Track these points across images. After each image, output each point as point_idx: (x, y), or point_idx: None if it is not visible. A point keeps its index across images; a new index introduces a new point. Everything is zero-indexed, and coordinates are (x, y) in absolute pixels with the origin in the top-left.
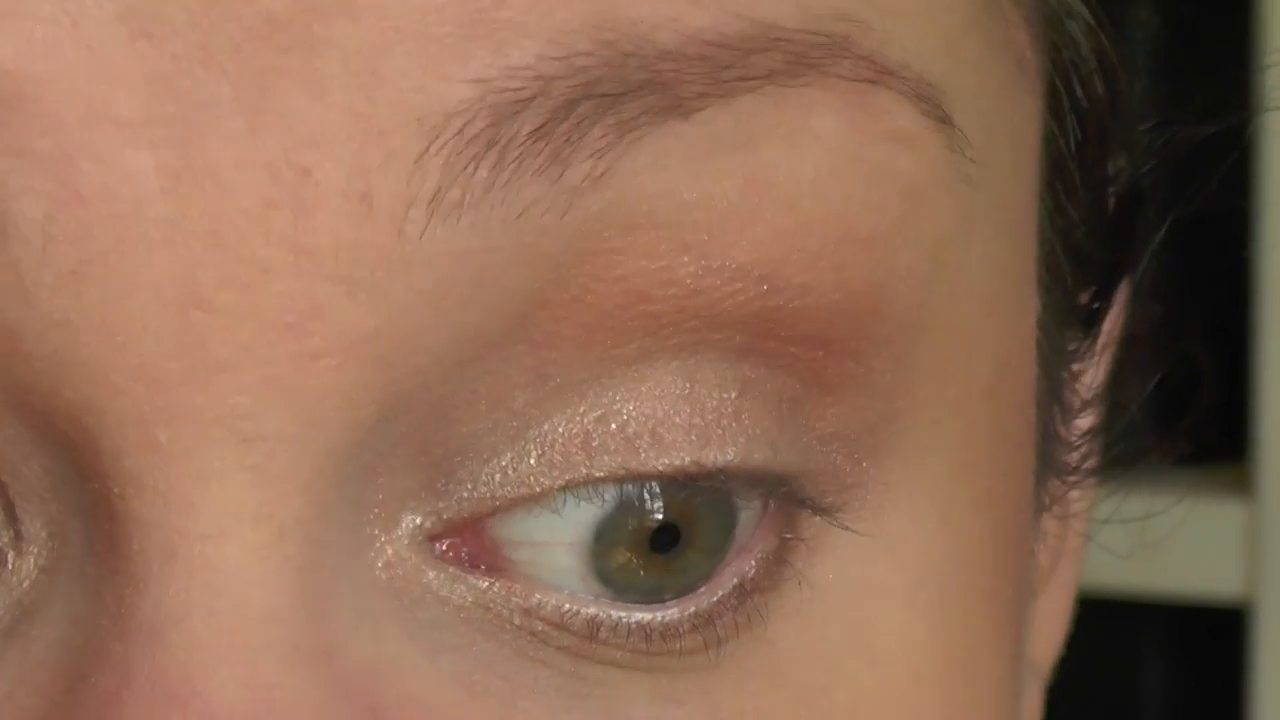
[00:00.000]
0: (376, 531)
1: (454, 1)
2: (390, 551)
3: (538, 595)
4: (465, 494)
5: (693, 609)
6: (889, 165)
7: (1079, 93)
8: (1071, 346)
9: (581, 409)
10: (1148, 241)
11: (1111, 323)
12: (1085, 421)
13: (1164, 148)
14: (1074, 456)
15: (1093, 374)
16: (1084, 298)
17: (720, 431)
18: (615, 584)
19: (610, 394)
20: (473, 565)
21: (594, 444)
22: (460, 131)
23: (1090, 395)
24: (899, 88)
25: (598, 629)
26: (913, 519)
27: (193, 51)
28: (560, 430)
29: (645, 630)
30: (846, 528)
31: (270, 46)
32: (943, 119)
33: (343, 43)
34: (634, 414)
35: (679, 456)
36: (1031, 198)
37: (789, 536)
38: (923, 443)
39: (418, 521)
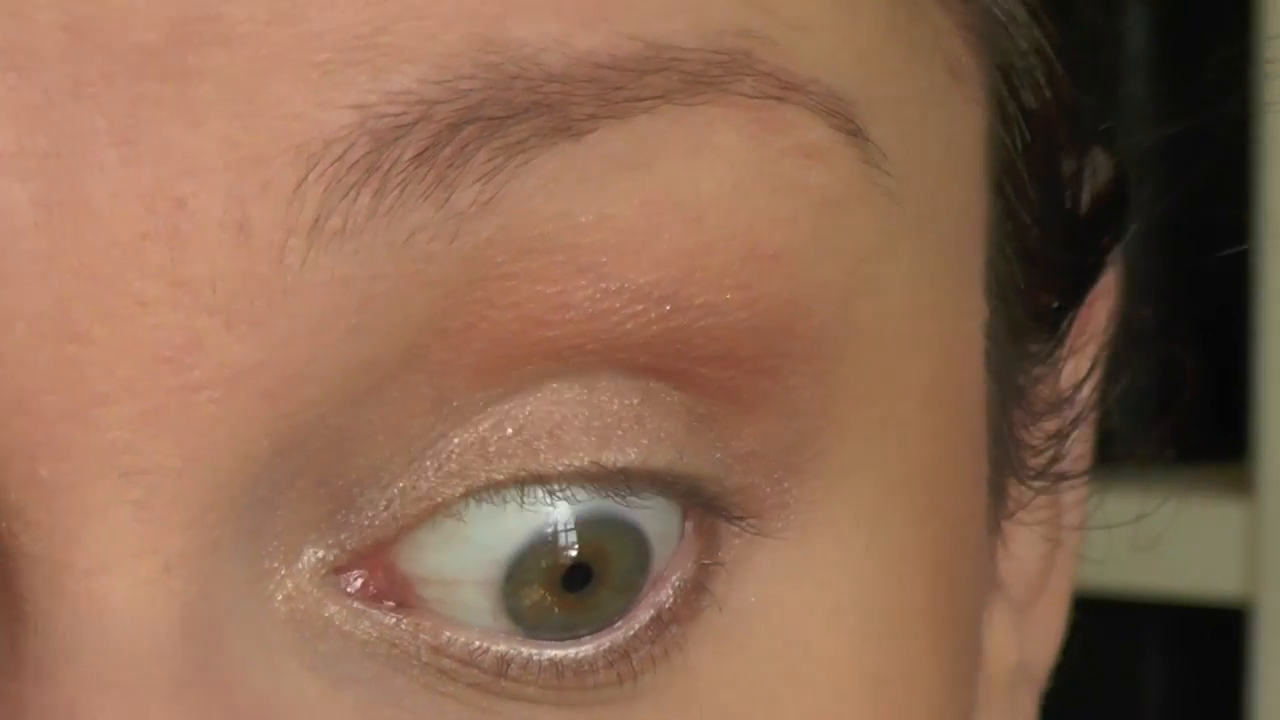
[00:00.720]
0: (276, 564)
1: (333, 28)
2: (291, 585)
3: (447, 633)
4: (366, 522)
5: (608, 644)
6: (798, 180)
7: (1025, 95)
8: (1034, 348)
9: (477, 419)
10: (1122, 240)
11: (1091, 321)
12: (1052, 424)
13: (1157, 146)
14: (1039, 460)
15: (1068, 373)
16: (1046, 300)
17: (621, 433)
18: (527, 622)
19: (507, 405)
20: (379, 600)
21: (491, 449)
22: (340, 158)
23: (1060, 397)
24: (806, 102)
25: (508, 666)
26: (839, 538)
27: (64, 83)
28: (456, 442)
29: (557, 667)
30: (767, 536)
31: (143, 76)
32: (855, 132)
33: (218, 71)
34: (530, 418)
35: (578, 457)
36: (973, 204)
37: (707, 562)
38: (849, 460)
39: (320, 554)
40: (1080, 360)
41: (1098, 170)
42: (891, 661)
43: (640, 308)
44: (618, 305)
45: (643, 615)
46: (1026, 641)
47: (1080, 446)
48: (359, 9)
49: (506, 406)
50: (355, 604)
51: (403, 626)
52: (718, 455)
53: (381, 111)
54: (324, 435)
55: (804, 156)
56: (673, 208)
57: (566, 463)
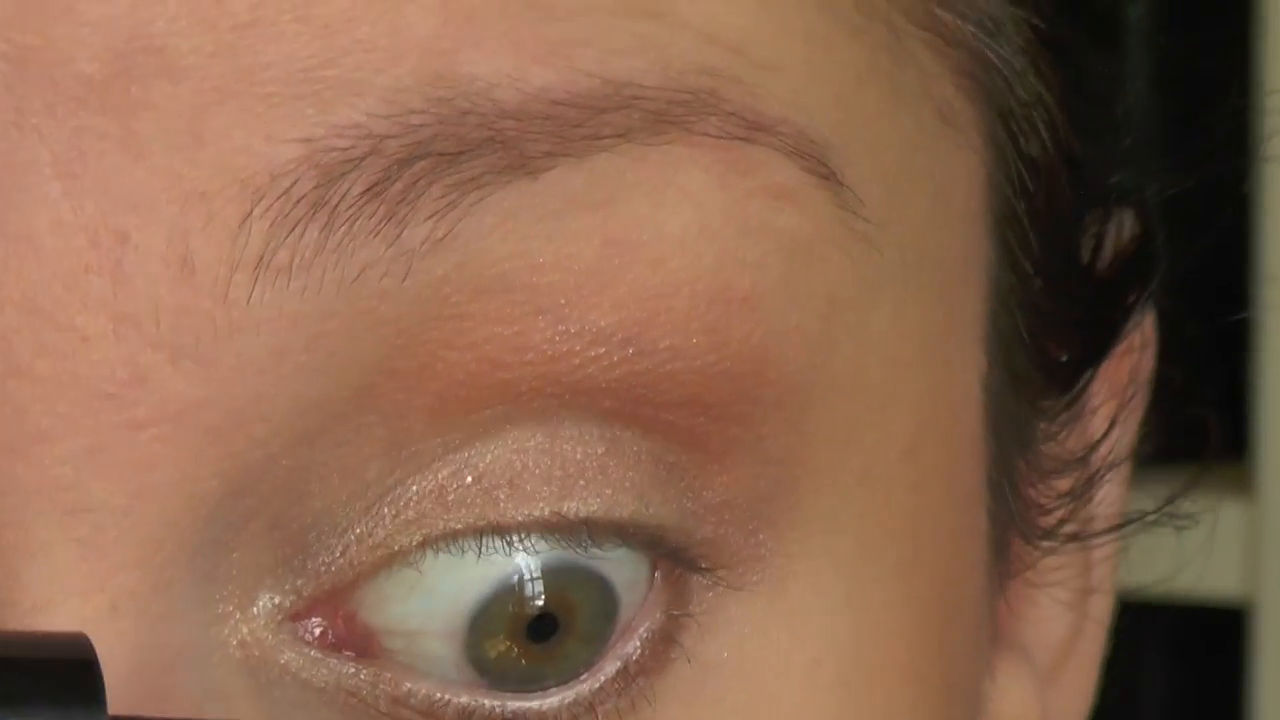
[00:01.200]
0: (231, 608)
1: (279, 60)
2: (245, 630)
3: (408, 684)
4: (323, 568)
5: (573, 696)
6: (767, 222)
7: (1025, 144)
8: (1044, 404)
9: (435, 465)
10: (1146, 299)
11: (1114, 378)
12: (1064, 483)
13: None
14: (1048, 520)
15: (1087, 430)
16: (1054, 354)
17: (583, 483)
18: (492, 673)
19: (466, 452)
20: (338, 649)
21: (449, 498)
22: (287, 192)
23: (1076, 455)
24: (775, 144)
25: (470, 718)
26: (817, 592)
27: (6, 114)
28: (414, 489)
29: (522, 719)
30: (737, 588)
31: (86, 108)
32: (828, 175)
33: (162, 104)
34: (490, 466)
35: (539, 507)
36: (968, 253)
37: (676, 613)
38: (827, 511)
39: (275, 600)
40: (1099, 419)
41: (1123, 227)
42: (870, 718)
43: (601, 350)
44: (578, 348)
45: (609, 667)
46: (1052, 708)
47: (1108, 506)
48: (305, 41)
49: (466, 454)
50: (313, 652)
51: (362, 676)
52: (688, 505)
53: (329, 145)
54: (276, 476)
55: (773, 198)
56: (635, 248)
57: (526, 512)
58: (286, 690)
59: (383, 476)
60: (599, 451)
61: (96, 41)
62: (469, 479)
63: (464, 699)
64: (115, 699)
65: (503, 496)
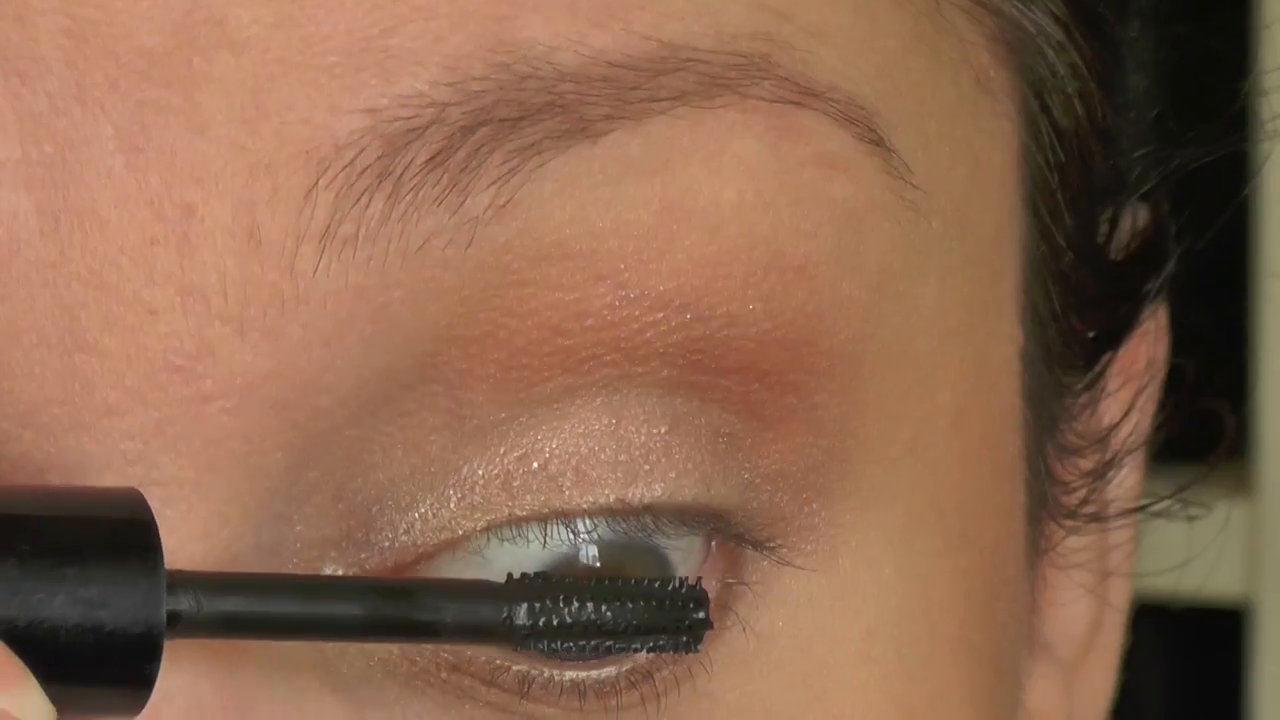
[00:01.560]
0: None
1: (340, 31)
2: None
3: (468, 651)
4: (386, 544)
5: (630, 665)
6: (819, 190)
7: (1057, 114)
8: (1068, 380)
9: (501, 450)
10: (1159, 287)
11: (1131, 364)
12: (1086, 463)
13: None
14: (1071, 499)
15: (1105, 415)
16: (1081, 329)
17: (648, 467)
18: None
19: (531, 433)
20: None
21: (515, 484)
22: (351, 163)
23: (1095, 436)
24: (826, 110)
25: (529, 685)
26: (869, 564)
27: (68, 89)
28: (480, 473)
29: (579, 688)
30: (792, 564)
31: (148, 82)
32: (877, 142)
33: (224, 76)
34: (556, 451)
35: (603, 494)
36: (1003, 222)
37: (732, 581)
38: (878, 483)
39: (339, 573)
40: (1116, 403)
41: (1137, 214)
42: (921, 692)
43: (660, 315)
44: (637, 313)
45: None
46: (1076, 700)
47: (1125, 491)
48: (366, 11)
49: (531, 437)
50: None
51: (423, 644)
52: (746, 477)
53: (393, 115)
54: (340, 447)
55: (825, 167)
56: (691, 215)
57: (591, 500)
58: (352, 664)
59: (445, 452)
60: (662, 430)
61: (157, 14)
62: (535, 464)
63: (523, 666)
64: (187, 674)
65: (568, 484)
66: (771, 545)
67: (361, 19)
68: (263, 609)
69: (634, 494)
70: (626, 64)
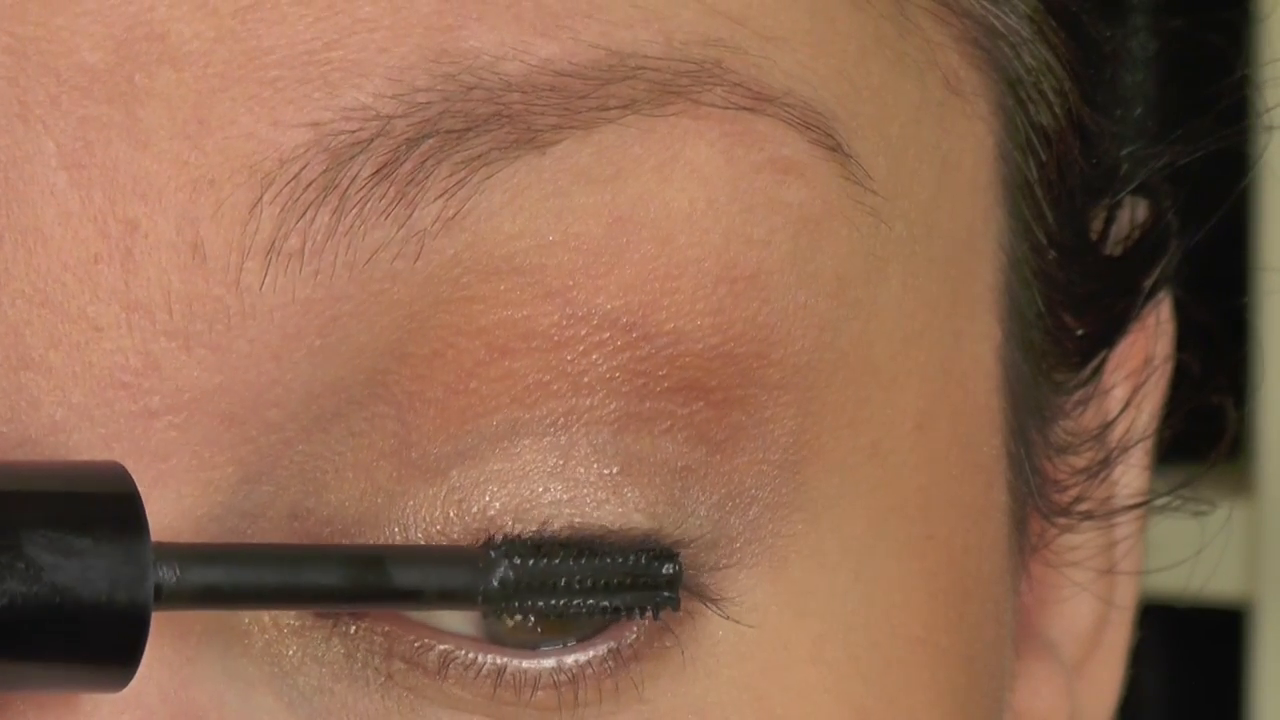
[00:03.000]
0: None
1: (282, 44)
2: (268, 618)
3: (398, 629)
4: None
5: (554, 662)
6: (774, 196)
7: (1035, 112)
8: (1059, 377)
9: (444, 491)
10: (1159, 283)
11: (1129, 359)
12: (1079, 460)
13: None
14: (1064, 497)
15: (1103, 409)
16: (1070, 325)
17: (594, 506)
18: (509, 642)
19: (474, 474)
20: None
21: (455, 527)
22: (296, 177)
23: (1092, 433)
24: (781, 115)
25: (449, 665)
26: (822, 569)
27: (10, 107)
28: (423, 512)
29: (498, 673)
30: (737, 581)
31: (90, 98)
32: (834, 147)
33: (166, 91)
34: (498, 494)
35: (544, 530)
36: (977, 223)
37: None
38: (835, 491)
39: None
40: (1115, 400)
41: (1135, 210)
42: (879, 694)
43: (606, 335)
44: (583, 333)
45: (602, 646)
46: (1082, 700)
47: (1128, 489)
48: (309, 24)
49: (473, 478)
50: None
51: (359, 634)
52: (702, 512)
53: (337, 128)
54: (292, 461)
55: (780, 172)
56: (642, 225)
57: (533, 531)
58: (309, 678)
59: (391, 482)
60: (613, 471)
61: (98, 30)
62: (475, 508)
63: (446, 645)
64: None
65: (508, 523)
66: (718, 568)
67: (304, 32)
68: (244, 579)
69: (578, 530)
70: (574, 73)
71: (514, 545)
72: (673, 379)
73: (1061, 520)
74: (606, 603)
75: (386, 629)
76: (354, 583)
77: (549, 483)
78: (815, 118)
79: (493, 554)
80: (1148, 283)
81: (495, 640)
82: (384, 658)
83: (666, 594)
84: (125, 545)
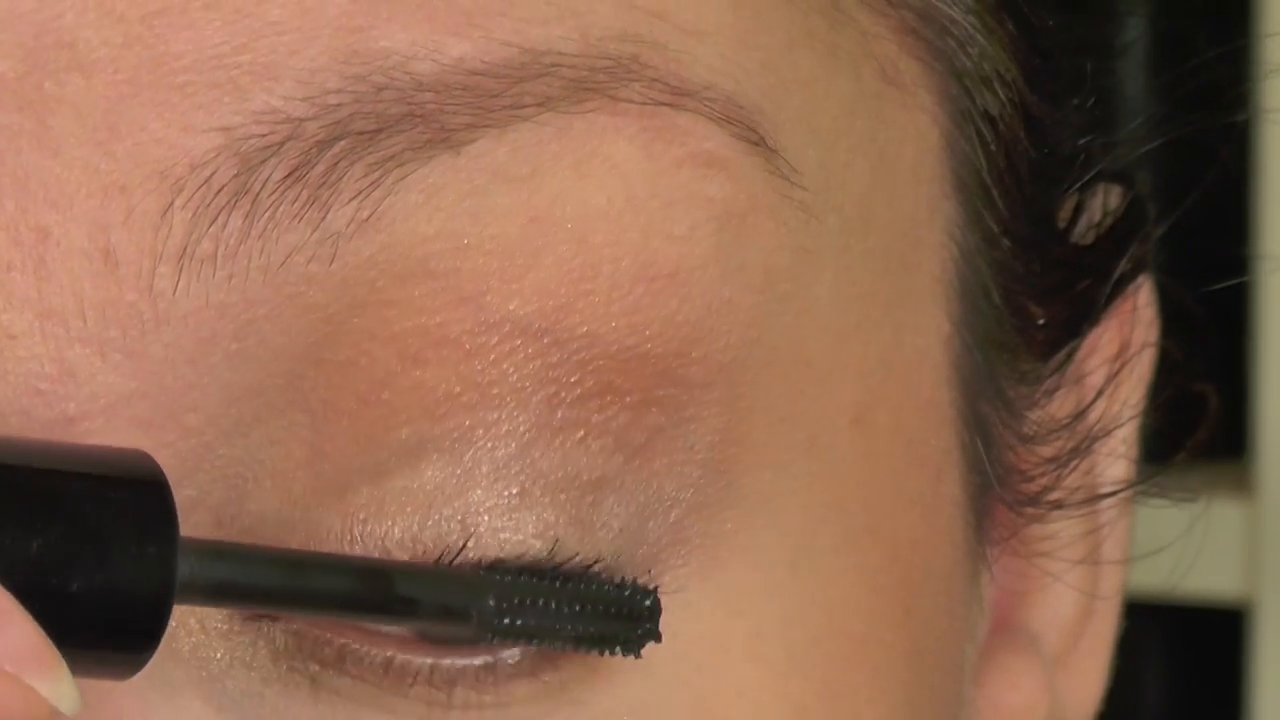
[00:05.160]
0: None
1: (191, 49)
2: (195, 622)
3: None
4: None
5: (491, 659)
6: (696, 191)
7: (983, 101)
8: (1024, 367)
9: (351, 510)
10: (1132, 272)
11: (1103, 348)
12: (1049, 449)
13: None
14: (1031, 487)
15: (1077, 401)
16: (1032, 314)
17: (491, 530)
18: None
19: (380, 493)
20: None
21: (356, 547)
22: (207, 182)
23: (1060, 422)
24: (702, 109)
25: (387, 669)
26: (756, 566)
27: None
28: (336, 528)
29: (387, 665)
30: (664, 590)
31: (0, 106)
32: (758, 142)
33: (75, 99)
34: (397, 521)
35: (440, 556)
36: (919, 214)
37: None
38: (769, 487)
39: None
40: (1088, 387)
41: (1109, 198)
42: (819, 690)
43: (518, 343)
44: (494, 341)
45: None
46: (1063, 693)
47: (1110, 479)
48: (218, 28)
49: (378, 497)
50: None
51: (285, 637)
52: (617, 525)
53: (248, 132)
54: (214, 466)
55: (702, 166)
56: (559, 225)
57: (427, 560)
58: (237, 681)
59: (306, 495)
60: (513, 492)
61: (6, 39)
62: (379, 531)
63: (383, 650)
64: None
65: (405, 548)
66: (642, 572)
67: (213, 36)
68: (251, 580)
69: (473, 555)
70: (486, 71)
71: (505, 579)
72: (585, 385)
73: (1029, 510)
74: (593, 629)
75: (315, 634)
76: (357, 592)
77: (445, 505)
78: (738, 112)
79: (485, 586)
80: (1120, 270)
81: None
82: (311, 661)
83: (648, 626)
84: (155, 535)
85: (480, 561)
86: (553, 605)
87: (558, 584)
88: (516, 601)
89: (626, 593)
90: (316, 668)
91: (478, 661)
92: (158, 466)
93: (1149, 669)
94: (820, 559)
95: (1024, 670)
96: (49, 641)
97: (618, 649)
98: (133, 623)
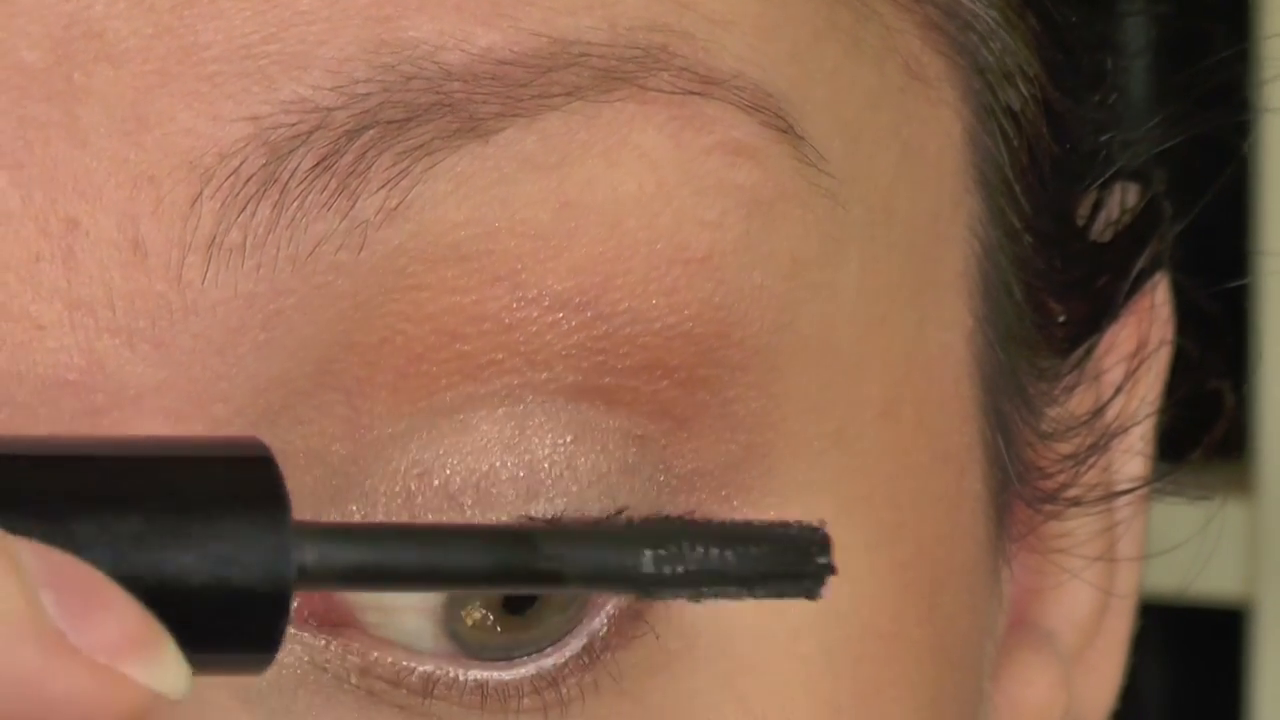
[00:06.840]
0: None
1: (220, 38)
2: None
3: (375, 653)
4: None
5: (534, 670)
6: (725, 178)
7: (1006, 96)
8: (1044, 364)
9: (403, 466)
10: (1146, 270)
11: (1121, 345)
12: (1068, 446)
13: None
14: (1049, 484)
15: (1094, 398)
16: (1052, 311)
17: (550, 482)
18: (468, 644)
19: (433, 448)
20: (309, 622)
21: (417, 501)
22: (236, 171)
23: (1080, 419)
24: (730, 97)
25: (434, 685)
26: None
27: None
28: (382, 489)
29: (483, 688)
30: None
31: (28, 97)
32: (786, 129)
33: (104, 89)
34: (457, 468)
35: (505, 511)
36: (942, 208)
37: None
38: (802, 476)
39: None
40: (1105, 386)
41: (1126, 195)
42: (851, 689)
43: (559, 315)
44: (535, 314)
45: (575, 643)
46: (1078, 691)
47: (1127, 476)
48: (245, 18)
49: (433, 452)
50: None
51: (332, 649)
52: (661, 479)
53: (276, 121)
54: None
55: (731, 154)
56: (590, 210)
57: (493, 516)
58: (265, 674)
59: (346, 464)
60: (567, 440)
61: (34, 29)
62: (436, 482)
63: (428, 666)
64: None
65: (469, 501)
66: None
67: (242, 26)
68: (386, 559)
69: (537, 509)
70: (515, 61)
71: (661, 526)
72: (635, 358)
73: (1048, 507)
74: (762, 569)
75: (358, 647)
76: (498, 562)
77: (504, 456)
78: (765, 100)
79: (639, 536)
80: (1138, 268)
81: (456, 639)
82: (359, 675)
83: (821, 561)
84: (267, 525)
85: (543, 516)
86: (714, 550)
87: (717, 529)
88: (676, 552)
89: (792, 531)
90: (362, 680)
91: (527, 670)
92: (269, 453)
93: (1149, 669)
94: (852, 554)
95: (1041, 667)
96: (151, 620)
97: (792, 588)
98: (253, 620)
